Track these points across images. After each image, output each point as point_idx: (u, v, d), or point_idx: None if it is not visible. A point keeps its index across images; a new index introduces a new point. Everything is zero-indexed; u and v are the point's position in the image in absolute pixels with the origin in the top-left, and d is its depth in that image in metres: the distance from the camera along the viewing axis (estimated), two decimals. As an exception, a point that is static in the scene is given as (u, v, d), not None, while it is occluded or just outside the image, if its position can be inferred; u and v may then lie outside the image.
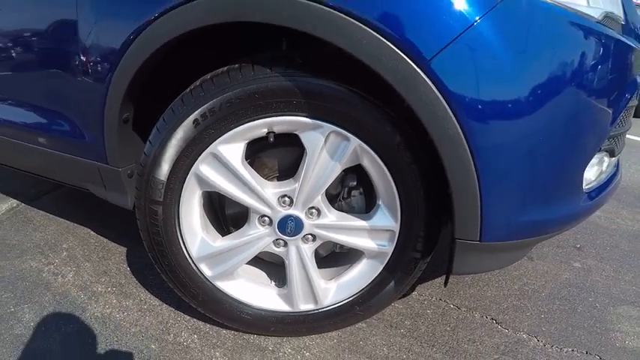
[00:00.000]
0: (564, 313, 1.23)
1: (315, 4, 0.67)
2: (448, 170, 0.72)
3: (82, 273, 1.43)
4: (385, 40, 0.66)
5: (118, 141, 0.97)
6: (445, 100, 0.67)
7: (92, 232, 1.65)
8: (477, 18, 0.65)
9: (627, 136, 2.10)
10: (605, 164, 1.03)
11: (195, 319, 1.14)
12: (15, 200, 2.13)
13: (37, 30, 1.00)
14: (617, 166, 1.20)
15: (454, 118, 0.67)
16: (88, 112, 0.97)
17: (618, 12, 0.91)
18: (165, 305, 1.20)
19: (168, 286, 1.15)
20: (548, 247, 1.58)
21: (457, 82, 0.66)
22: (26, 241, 1.71)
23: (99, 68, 0.90)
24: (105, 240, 1.59)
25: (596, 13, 0.79)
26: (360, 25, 0.67)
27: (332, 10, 0.67)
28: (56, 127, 1.11)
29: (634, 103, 1.05)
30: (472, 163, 0.70)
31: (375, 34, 0.66)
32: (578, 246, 1.62)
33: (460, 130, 0.68)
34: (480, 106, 0.67)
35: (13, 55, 1.09)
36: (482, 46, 0.66)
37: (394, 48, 0.66)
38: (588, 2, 0.80)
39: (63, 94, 1.02)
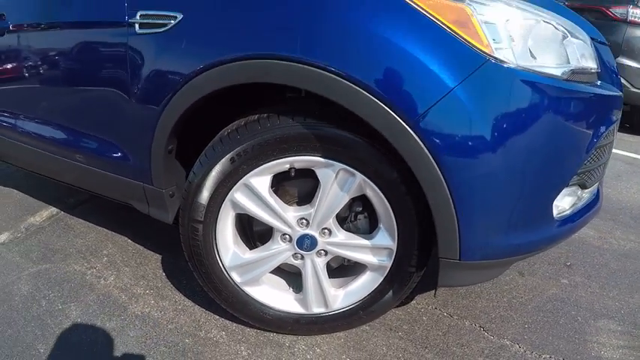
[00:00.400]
0: (547, 324, 1.41)
1: (328, 73, 0.89)
2: (431, 203, 0.92)
3: (122, 276, 1.65)
4: (380, 103, 0.87)
5: (162, 167, 1.20)
6: (428, 150, 0.87)
7: (129, 241, 1.88)
8: (454, 86, 0.85)
9: (633, 155, 2.29)
10: (578, 195, 1.21)
11: (223, 319, 1.35)
12: (55, 208, 2.40)
13: (100, 80, 1.24)
14: (598, 194, 1.37)
15: (436, 165, 0.87)
16: (138, 144, 1.20)
17: (589, 64, 1.09)
18: (197, 306, 1.42)
19: (199, 289, 1.37)
20: (539, 264, 1.75)
21: (437, 136, 0.86)
22: (69, 247, 1.95)
23: (149, 112, 1.12)
24: (141, 247, 1.82)
25: (559, 72, 0.98)
26: (361, 90, 0.88)
27: (337, 77, 0.88)
28: (110, 153, 1.35)
29: (608, 140, 1.23)
30: (450, 198, 0.89)
31: (372, 97, 0.87)
32: (569, 264, 1.78)
33: (440, 173, 0.88)
34: (455, 155, 0.87)
35: (80, 96, 1.34)
36: (458, 108, 0.86)
37: (388, 110, 0.86)
38: (559, 61, 0.99)
39: (118, 129, 1.25)
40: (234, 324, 1.33)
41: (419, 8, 0.87)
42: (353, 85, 0.88)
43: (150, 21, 1.10)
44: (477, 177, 0.89)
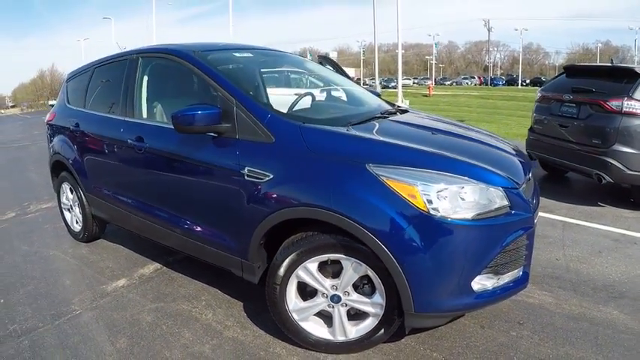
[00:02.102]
0: (483, 351, 2.31)
1: (344, 218, 1.95)
2: (396, 281, 1.93)
3: (217, 314, 2.74)
4: (369, 233, 1.92)
5: (256, 251, 2.29)
6: (392, 255, 1.89)
7: (219, 291, 2.99)
8: (407, 226, 1.89)
9: (622, 231, 3.38)
10: (497, 280, 2.15)
11: (284, 342, 2.38)
12: (158, 263, 3.59)
13: (219, 199, 2.38)
14: (525, 276, 2.29)
15: (396, 262, 1.90)
16: (243, 238, 2.30)
17: (498, 204, 2.07)
18: (268, 334, 2.47)
19: (270, 323, 2.40)
20: (497, 321, 2.65)
21: (398, 248, 1.89)
22: (175, 292, 3.08)
23: (252, 223, 2.23)
24: (228, 296, 2.92)
25: (469, 215, 1.98)
26: (358, 225, 1.93)
27: (348, 220, 1.94)
28: (220, 239, 2.46)
29: (519, 244, 2.18)
30: (405, 279, 1.90)
31: (364, 229, 1.92)
32: (521, 322, 2.67)
33: (398, 266, 1.90)
34: (406, 257, 1.88)
35: (200, 204, 2.50)
36: (409, 236, 1.89)
37: (374, 237, 1.91)
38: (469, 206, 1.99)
39: (230, 228, 2.37)
40: (291, 345, 2.35)
41: (391, 188, 1.93)
42: (353, 223, 1.93)
43: (253, 174, 2.23)
44: (419, 269, 1.91)
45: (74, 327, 2.76)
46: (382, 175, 1.94)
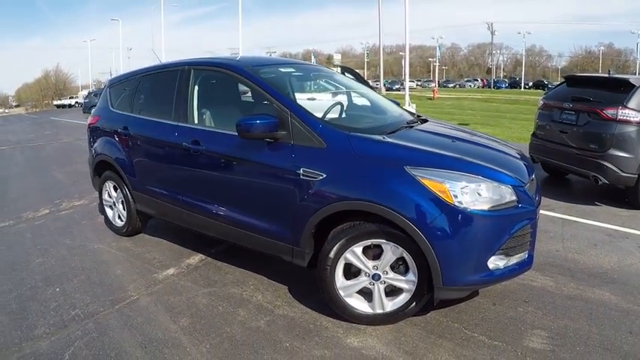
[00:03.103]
0: (501, 329, 2.87)
1: (387, 209, 2.50)
2: (428, 259, 2.48)
3: (267, 295, 3.28)
4: (406, 220, 2.47)
5: (307, 239, 2.83)
6: (426, 238, 2.44)
7: (264, 277, 3.52)
8: (438, 214, 2.44)
9: (616, 227, 4.04)
10: (507, 260, 2.71)
11: (330, 317, 2.91)
12: (202, 254, 4.10)
13: (276, 194, 2.92)
14: (529, 258, 2.86)
15: (429, 245, 2.45)
16: (297, 228, 2.84)
17: (507, 199, 2.64)
18: (314, 311, 3.00)
19: (314, 303, 2.93)
20: (507, 300, 3.20)
21: (431, 233, 2.44)
22: (224, 279, 3.60)
23: (306, 215, 2.76)
24: (272, 281, 3.45)
25: (486, 207, 2.54)
26: (398, 214, 2.48)
27: (391, 210, 2.50)
28: (274, 229, 3.00)
29: (524, 232, 2.74)
30: (436, 258, 2.45)
31: (403, 217, 2.47)
32: (527, 300, 3.23)
33: (431, 248, 2.44)
34: (438, 240, 2.43)
35: (258, 199, 3.03)
36: (440, 222, 2.44)
37: (410, 223, 2.46)
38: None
39: (285, 220, 2.91)
40: (335, 319, 2.88)
41: (425, 185, 2.48)
42: (396, 213, 2.48)
43: (308, 174, 2.77)
44: (447, 249, 2.45)
45: (135, 310, 3.16)
46: (418, 175, 2.49)
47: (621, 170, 5.31)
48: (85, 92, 45.38)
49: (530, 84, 61.83)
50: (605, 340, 2.73)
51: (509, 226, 2.62)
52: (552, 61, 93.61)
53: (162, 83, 4.04)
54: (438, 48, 61.84)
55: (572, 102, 5.89)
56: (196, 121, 3.59)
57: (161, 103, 3.93)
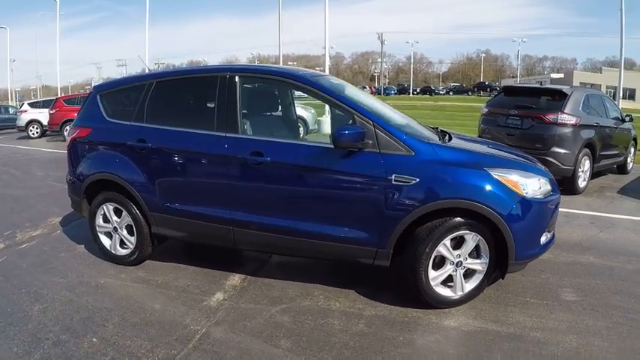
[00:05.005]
0: (530, 290, 3.74)
1: (477, 203, 3.19)
2: (506, 240, 3.22)
3: (343, 303, 3.56)
4: (492, 211, 3.18)
5: (394, 240, 3.34)
6: (508, 226, 3.18)
7: (326, 287, 3.82)
8: (514, 205, 3.21)
9: (566, 210, 5.19)
10: (547, 236, 3.61)
11: (412, 308, 3.46)
12: (239, 274, 4.07)
13: (363, 200, 3.36)
14: (554, 234, 3.80)
15: (510, 231, 3.20)
16: (386, 232, 3.33)
17: (548, 189, 3.52)
18: (397, 307, 3.53)
19: (389, 299, 3.41)
20: (530, 272, 4.09)
21: (510, 220, 3.19)
22: (285, 295, 3.69)
23: (396, 218, 3.29)
24: (337, 288, 3.77)
25: (541, 196, 3.39)
26: (484, 207, 3.19)
27: (480, 205, 3.18)
28: (357, 235, 3.44)
29: (555, 213, 3.66)
30: (513, 239, 3.21)
31: (489, 209, 3.18)
32: (542, 270, 4.16)
33: (509, 230, 3.19)
34: (514, 224, 3.19)
35: (345, 207, 3.45)
36: (515, 210, 3.21)
37: (495, 213, 3.18)
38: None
39: (373, 225, 3.36)
40: (421, 308, 3.42)
41: (503, 182, 3.22)
42: (483, 206, 3.16)
43: (400, 179, 3.25)
44: (520, 230, 3.22)
45: (216, 344, 2.95)
46: (496, 175, 3.23)
47: (562, 164, 6.91)
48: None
49: (418, 90, 68.61)
50: (611, 286, 3.87)
51: (552, 208, 3.53)
52: (433, 67, 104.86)
53: (191, 90, 4.00)
54: (327, 57, 64.77)
55: (517, 109, 7.35)
56: (250, 132, 3.70)
57: (193, 113, 3.89)
